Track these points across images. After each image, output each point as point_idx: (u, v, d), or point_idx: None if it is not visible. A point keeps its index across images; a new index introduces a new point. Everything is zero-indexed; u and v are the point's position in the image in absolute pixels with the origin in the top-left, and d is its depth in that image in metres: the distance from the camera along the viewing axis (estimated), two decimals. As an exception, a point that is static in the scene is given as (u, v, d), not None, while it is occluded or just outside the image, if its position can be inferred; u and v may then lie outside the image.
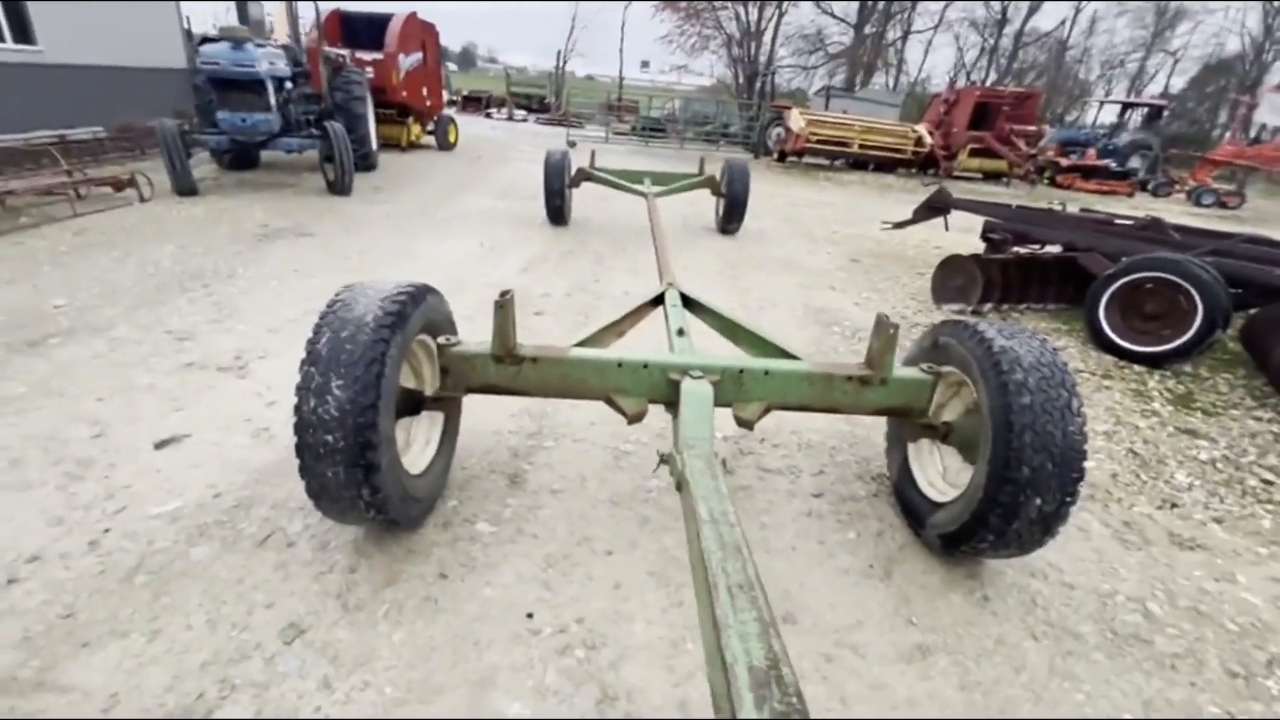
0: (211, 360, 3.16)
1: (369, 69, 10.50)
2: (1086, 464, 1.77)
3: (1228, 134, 24.08)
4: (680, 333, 2.43)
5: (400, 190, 8.39)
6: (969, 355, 1.93)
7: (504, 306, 1.91)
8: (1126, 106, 21.91)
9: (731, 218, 6.97)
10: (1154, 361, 4.02)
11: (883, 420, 2.57)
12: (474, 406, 2.48)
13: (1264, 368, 3.92)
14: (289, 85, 7.70)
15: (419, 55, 12.49)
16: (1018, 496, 1.73)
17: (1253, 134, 19.72)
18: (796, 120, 15.51)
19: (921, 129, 16.37)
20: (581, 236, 6.64)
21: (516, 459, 2.54)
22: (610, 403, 2.03)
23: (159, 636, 1.64)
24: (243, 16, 14.90)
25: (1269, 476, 2.85)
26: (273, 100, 6.99)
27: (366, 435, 1.61)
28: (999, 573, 2.10)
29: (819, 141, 15.48)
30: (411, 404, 2.06)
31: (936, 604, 1.95)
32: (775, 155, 17.09)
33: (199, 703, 1.47)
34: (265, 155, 8.96)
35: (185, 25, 11.87)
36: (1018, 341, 1.87)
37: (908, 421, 2.23)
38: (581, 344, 2.22)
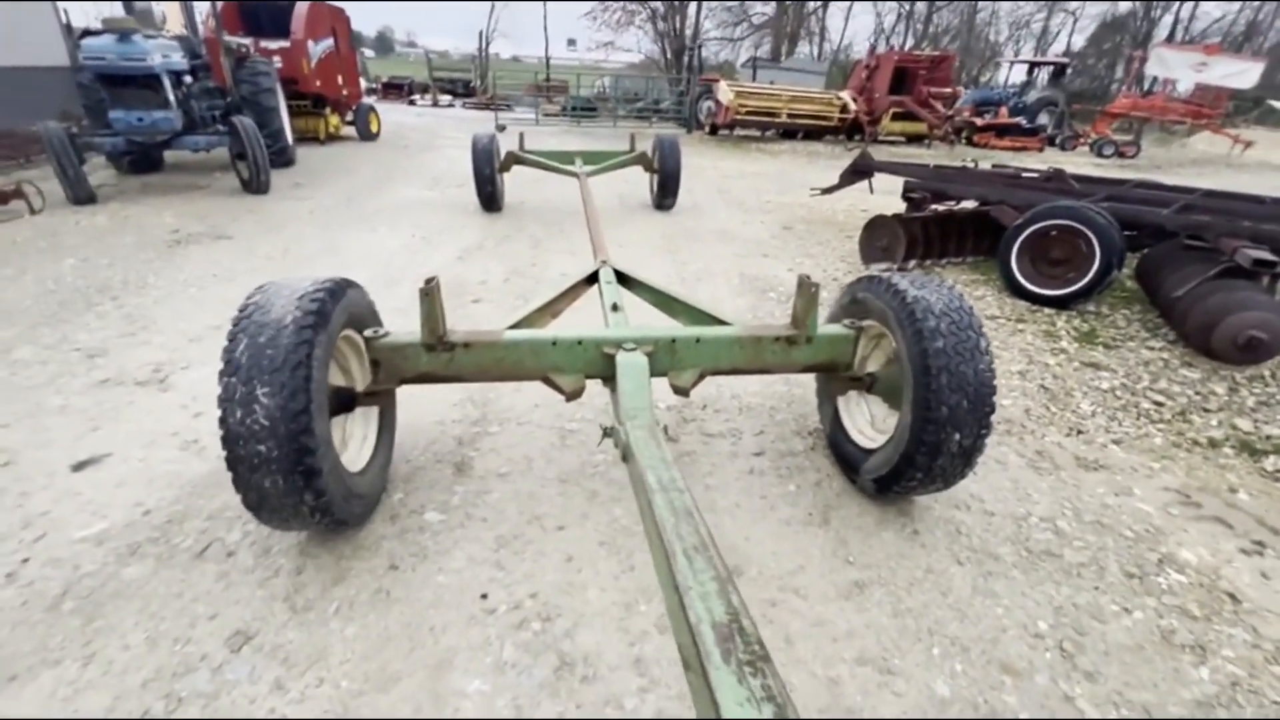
0: (128, 375, 2.99)
1: (276, 58, 9.92)
2: (1002, 400, 1.92)
3: (1123, 88, 25.65)
4: (615, 308, 2.47)
5: (323, 185, 8.03)
6: (885, 307, 2.04)
7: (430, 294, 1.90)
8: (1033, 66, 22.99)
9: (665, 193, 7.01)
10: (1061, 303, 4.32)
11: (814, 378, 2.69)
12: (414, 399, 2.46)
13: (1154, 302, 4.28)
14: (188, 79, 7.21)
15: (330, 42, 11.87)
16: (939, 434, 1.86)
17: (1145, 87, 21.08)
18: (725, 93, 15.61)
19: (846, 96, 16.78)
20: (517, 221, 6.54)
21: (461, 447, 2.53)
22: (548, 382, 2.05)
23: (94, 660, 1.58)
24: (128, 7, 13.77)
25: (1159, 399, 3.14)
26: (171, 96, 6.54)
27: (302, 441, 1.58)
28: (927, 508, 2.26)
29: (748, 113, 15.65)
30: (344, 401, 2.03)
31: (871, 542, 2.08)
32: (707, 129, 17.18)
33: (144, 720, 1.44)
34: (170, 156, 8.40)
35: (64, 19, 10.87)
36: (928, 290, 2.00)
37: (835, 376, 2.34)
38: (515, 326, 2.22)
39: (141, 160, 7.79)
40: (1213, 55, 19.05)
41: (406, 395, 2.29)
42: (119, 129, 6.38)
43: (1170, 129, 21.57)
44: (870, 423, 2.38)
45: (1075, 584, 1.96)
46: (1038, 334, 3.96)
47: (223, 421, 1.57)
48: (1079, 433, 2.83)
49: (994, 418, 1.91)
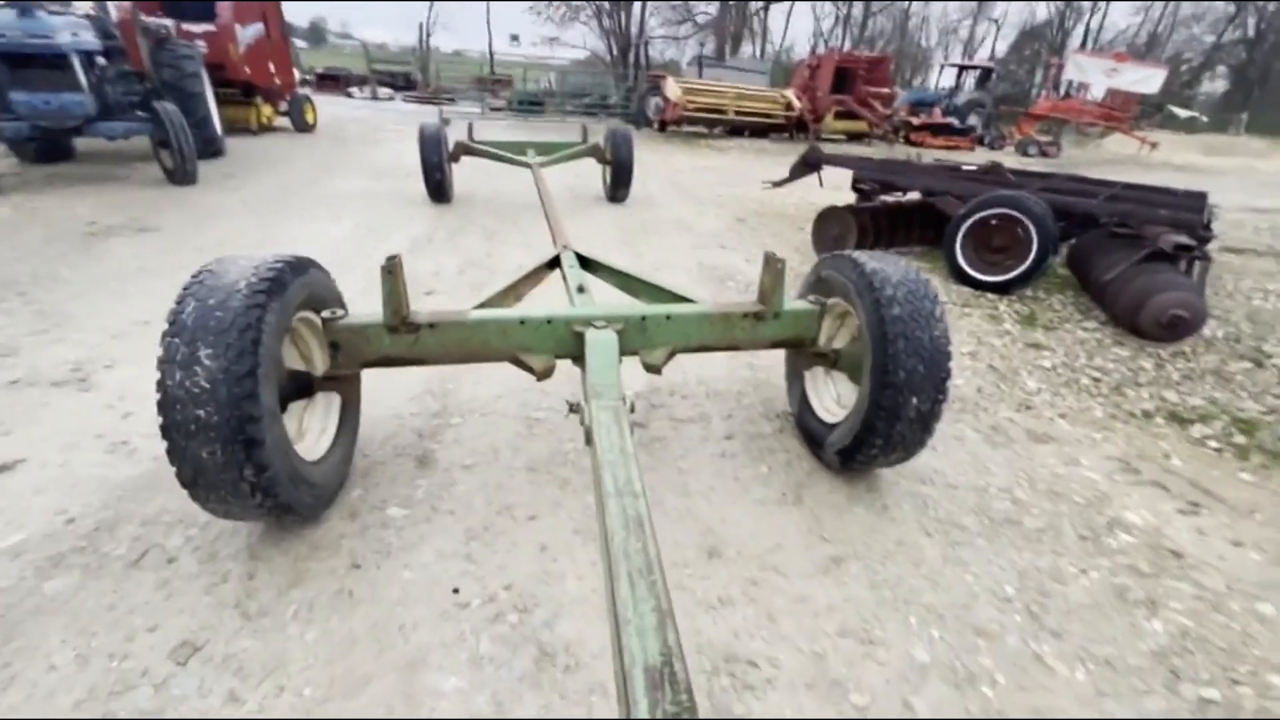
0: (42, 375, 2.72)
1: (200, 42, 9.30)
2: (956, 380, 1.97)
3: (1043, 92, 27.27)
4: (580, 289, 2.41)
5: (257, 176, 7.59)
6: (847, 280, 2.07)
7: (393, 271, 1.79)
8: (962, 69, 24.14)
9: (619, 184, 6.96)
10: (1003, 289, 4.52)
11: (781, 364, 2.71)
12: (368, 392, 2.33)
13: (1086, 286, 4.54)
14: (102, 61, 6.66)
15: (259, 27, 11.25)
16: (897, 399, 1.89)
17: (1062, 91, 22.45)
18: (673, 89, 15.69)
19: (790, 94, 17.14)
20: (468, 213, 6.36)
21: (423, 440, 2.42)
22: (517, 362, 1.98)
23: (14, 685, 1.41)
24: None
25: (1096, 375, 3.32)
26: (82, 78, 6.03)
27: (244, 408, 1.46)
28: (894, 483, 2.30)
29: (696, 109, 15.78)
30: (301, 386, 1.89)
31: (844, 519, 2.11)
32: (656, 125, 17.23)
33: (78, 745, 1.30)
34: (83, 145, 7.77)
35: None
36: (885, 263, 2.04)
37: (801, 352, 2.35)
38: (480, 308, 2.13)
39: (49, 148, 7.16)
40: (1122, 62, 20.49)
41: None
42: (22, 113, 5.83)
43: (1085, 131, 23.05)
44: (835, 400, 2.41)
45: (1035, 549, 2.03)
46: (983, 318, 4.13)
47: (160, 384, 1.45)
48: (1028, 408, 2.95)
49: (950, 396, 1.96)
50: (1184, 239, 3.77)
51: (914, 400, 1.90)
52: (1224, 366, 3.52)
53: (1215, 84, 48.70)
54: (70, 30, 6.01)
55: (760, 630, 1.66)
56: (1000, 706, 1.49)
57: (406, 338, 1.90)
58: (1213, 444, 2.74)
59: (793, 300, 2.26)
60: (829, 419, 2.32)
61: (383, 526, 1.95)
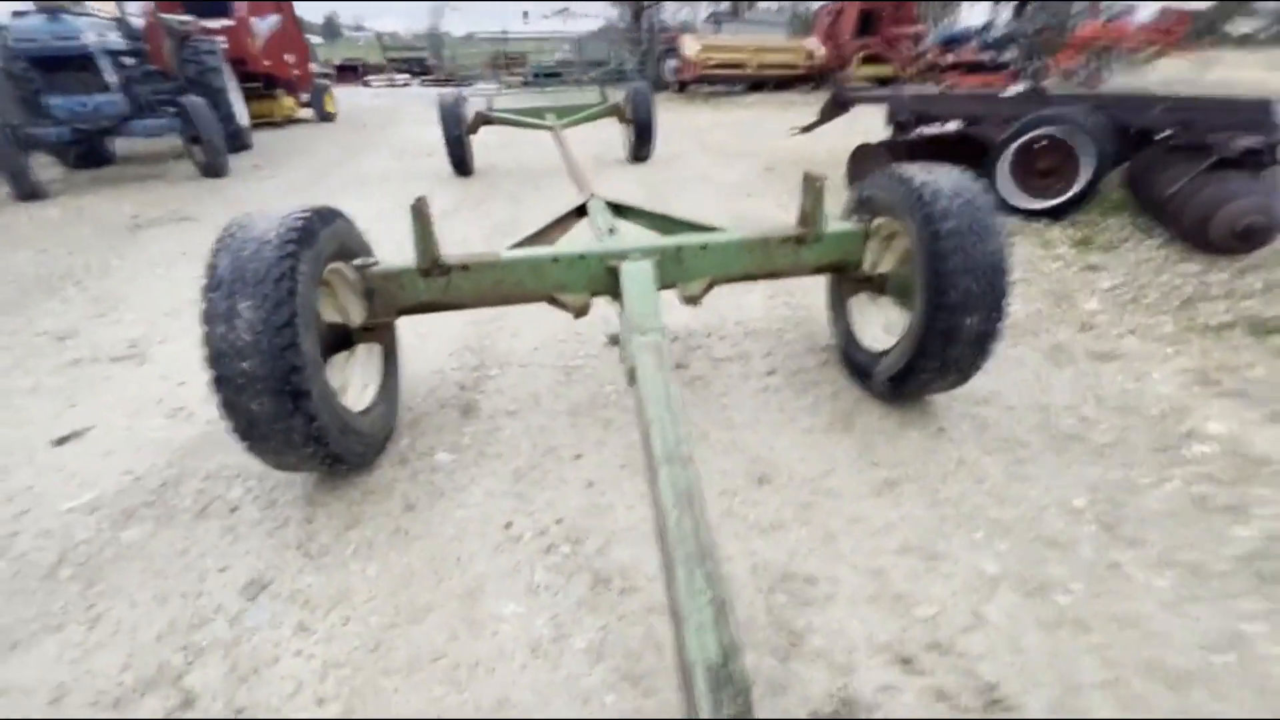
0: (103, 353, 2.83)
1: (220, 38, 9.42)
2: (1011, 306, 1.85)
3: (1084, 19, 25.49)
4: (612, 231, 2.35)
5: (285, 165, 7.72)
6: (894, 197, 1.95)
7: (420, 212, 1.77)
8: (996, 0, 22.71)
9: (642, 142, 6.83)
10: (1053, 214, 4.27)
11: (822, 299, 2.61)
12: (406, 350, 2.35)
13: (1146, 206, 4.24)
14: (129, 61, 6.81)
15: (276, 19, 11.34)
16: (952, 319, 1.79)
17: (1104, 16, 20.93)
18: (690, 47, 15.25)
19: (812, 43, 16.47)
20: (492, 182, 6.34)
21: (465, 391, 2.43)
22: (553, 301, 1.95)
23: (101, 621, 1.48)
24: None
25: (1164, 291, 3.12)
26: (112, 78, 6.18)
27: (288, 357, 1.47)
28: (948, 407, 2.21)
29: (715, 66, 15.33)
30: (340, 339, 1.91)
31: (898, 444, 2.03)
32: (675, 86, 16.82)
33: (163, 672, 1.35)
34: (122, 149, 8.02)
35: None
36: (937, 175, 1.91)
37: (845, 278, 2.26)
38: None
39: (89, 154, 7.40)
40: (1173, -25, 18.93)
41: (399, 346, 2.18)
42: (60, 116, 6.02)
43: (1134, 56, 21.52)
44: (884, 328, 2.30)
45: (1105, 463, 1.93)
46: (1034, 245, 3.92)
47: (206, 338, 1.47)
48: (1089, 328, 2.79)
49: (1005, 318, 1.85)
50: (1253, 142, 3.47)
51: (970, 320, 1.80)
52: (1306, 276, 3.26)
53: (1279, -7, 44.68)
54: (95, 31, 6.15)
55: (816, 550, 1.62)
56: (1078, 614, 1.42)
57: (440, 281, 1.89)
58: (1297, 352, 2.55)
59: (835, 222, 2.16)
60: (877, 347, 2.23)
61: (432, 471, 1.97)
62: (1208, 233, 3.39)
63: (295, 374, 1.49)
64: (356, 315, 1.92)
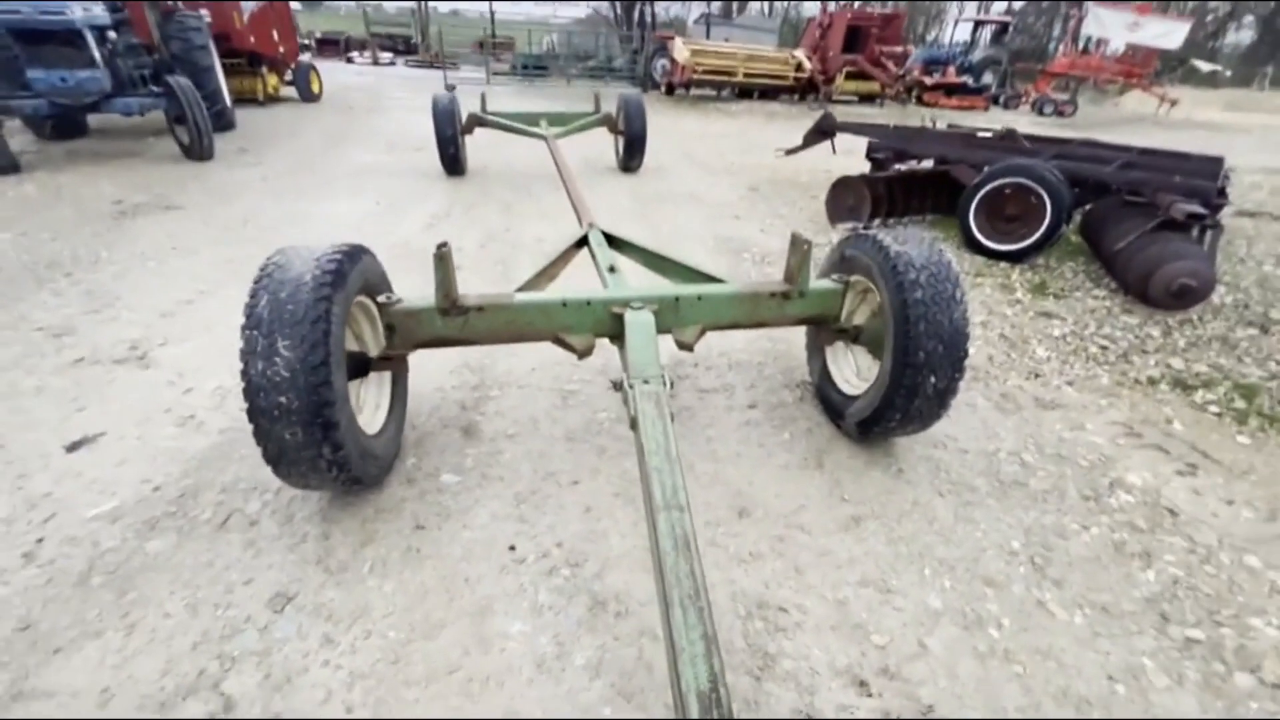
0: (103, 354, 2.89)
1: (205, 12, 9.20)
2: (969, 347, 2.10)
3: (1061, 46, 26.45)
4: (611, 269, 2.53)
5: (270, 150, 7.64)
6: (871, 262, 2.18)
7: (444, 258, 1.92)
8: (978, 24, 23.41)
9: (632, 154, 6.98)
10: (1015, 257, 4.60)
11: (800, 336, 2.84)
12: (410, 367, 2.48)
13: (1098, 254, 4.60)
14: (112, 35, 6.66)
15: (262, -7, 11.08)
16: (916, 377, 2.02)
17: (1081, 45, 21.79)
18: (681, 51, 15.39)
19: (801, 55, 16.77)
20: (483, 185, 6.42)
21: (466, 411, 2.59)
22: (559, 342, 2.12)
23: (137, 629, 1.61)
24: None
25: (1104, 343, 3.44)
26: (96, 53, 6.05)
27: (321, 393, 1.62)
28: (909, 449, 2.46)
29: (705, 72, 15.50)
30: (358, 366, 2.05)
31: (862, 481, 2.27)
32: (663, 88, 16.94)
33: (202, 679, 1.50)
34: (95, 121, 7.81)
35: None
36: (910, 245, 2.14)
37: (824, 328, 2.48)
38: (520, 290, 2.27)
39: (64, 125, 7.22)
40: (1144, 15, 19.81)
41: (412, 362, 2.32)
42: (41, 90, 5.88)
43: (1103, 88, 22.47)
44: (856, 372, 2.55)
45: (1041, 508, 2.20)
46: (995, 287, 4.22)
47: (244, 373, 1.60)
48: (1036, 376, 3.08)
49: (963, 377, 2.09)
50: (1196, 208, 3.82)
51: (932, 379, 2.04)
52: (1230, 333, 3.62)
53: (1241, 34, 46.98)
54: (82, 5, 6.00)
55: (788, 580, 1.84)
56: (1006, 646, 1.67)
57: (456, 320, 2.04)
58: (1213, 409, 2.87)
59: (817, 279, 2.37)
60: (850, 391, 2.47)
61: (439, 492, 2.13)
62: (1147, 289, 3.73)
63: (327, 407, 1.64)
64: (375, 345, 2.06)
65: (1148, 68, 20.74)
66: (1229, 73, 31.15)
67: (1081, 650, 1.68)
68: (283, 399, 1.60)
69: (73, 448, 2.27)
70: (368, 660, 1.56)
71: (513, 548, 1.91)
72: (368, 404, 2.15)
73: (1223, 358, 3.34)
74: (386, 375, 2.22)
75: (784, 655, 1.62)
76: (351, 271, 1.80)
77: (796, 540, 1.99)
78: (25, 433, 2.33)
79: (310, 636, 1.61)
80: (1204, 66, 26.89)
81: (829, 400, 2.57)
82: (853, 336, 2.46)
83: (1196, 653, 1.69)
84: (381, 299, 1.99)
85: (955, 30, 24.37)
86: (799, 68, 16.42)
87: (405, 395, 2.33)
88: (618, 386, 1.80)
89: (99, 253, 4.08)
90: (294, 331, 1.60)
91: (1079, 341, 3.47)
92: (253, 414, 1.63)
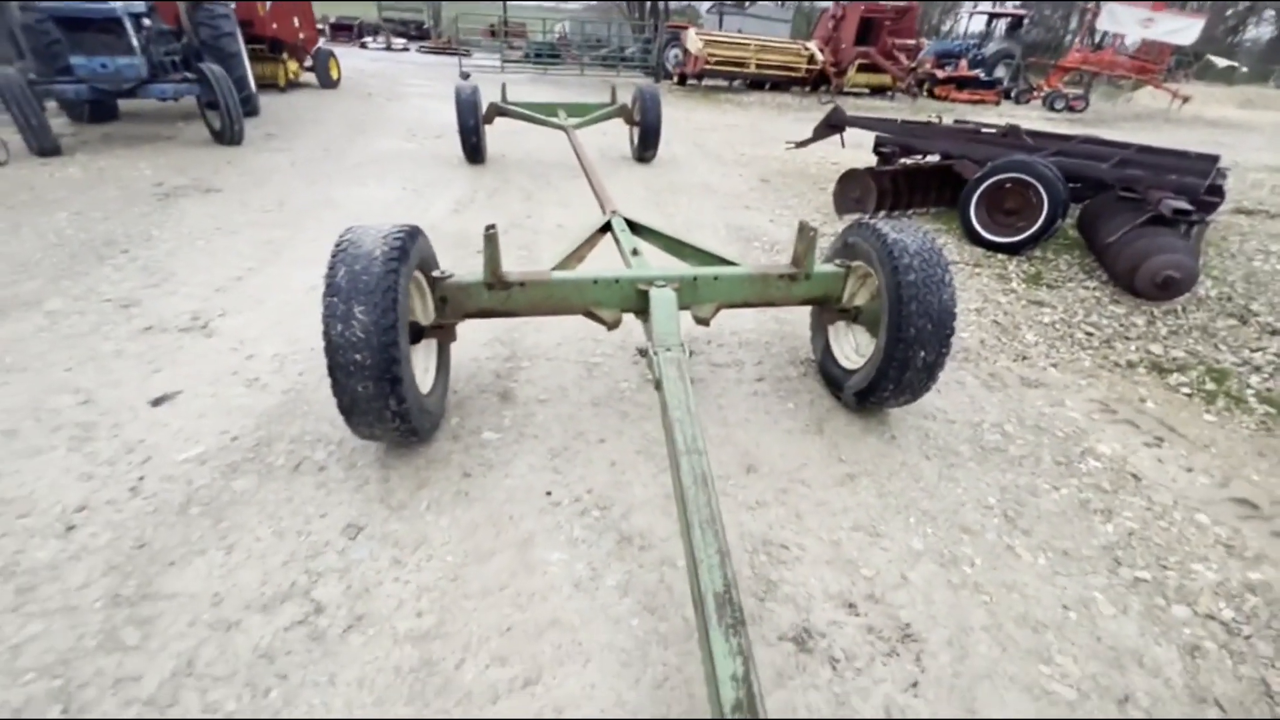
0: (169, 323, 3.18)
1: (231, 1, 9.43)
2: (961, 334, 2.35)
3: (1076, 40, 26.30)
4: (635, 253, 2.79)
5: (296, 135, 7.90)
6: (870, 248, 2.43)
7: (491, 239, 2.19)
8: (992, 17, 23.33)
9: (647, 145, 7.19)
10: (1013, 249, 4.82)
11: (805, 319, 3.09)
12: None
13: (1092, 247, 4.82)
14: (146, 22, 6.91)
15: (284, -19, 11.29)
16: (908, 352, 2.28)
17: (1096, 39, 21.72)
18: (694, 42, 15.50)
19: (813, 46, 16.83)
20: (503, 173, 6.66)
21: (500, 379, 2.86)
22: (591, 315, 2.39)
23: (235, 549, 1.90)
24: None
25: (1090, 330, 3.68)
26: (135, 41, 6.31)
27: (390, 353, 1.89)
28: (901, 419, 2.72)
29: (717, 63, 15.61)
30: (413, 334, 2.32)
31: (858, 445, 2.53)
32: (675, 79, 17.06)
33: (294, 588, 1.78)
34: (125, 104, 8.08)
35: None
36: (906, 234, 2.39)
37: (828, 308, 2.74)
38: (555, 269, 2.53)
39: (98, 108, 7.49)
40: (1159, 11, 19.72)
41: (456, 332, 2.59)
42: (83, 75, 6.15)
43: (1117, 83, 22.40)
44: (855, 349, 2.80)
45: (1017, 471, 2.46)
46: (992, 276, 4.45)
47: (326, 333, 1.87)
48: (1024, 358, 3.33)
49: (954, 347, 2.35)
50: (1183, 204, 4.03)
51: (922, 353, 2.29)
52: (1211, 323, 3.85)
53: (1261, 29, 46.37)
54: (122, -7, 6.25)
55: (789, 524, 2.11)
56: (977, 580, 1.94)
57: (501, 294, 2.31)
58: (1185, 390, 3.12)
59: (822, 264, 2.62)
60: (848, 365, 2.73)
61: (481, 446, 2.41)
62: (1134, 280, 3.96)
63: (394, 364, 1.91)
64: (425, 316, 2.33)
65: (1162, 63, 20.66)
66: (1245, 69, 30.89)
67: (1042, 585, 1.94)
68: (358, 356, 1.87)
69: (156, 403, 2.56)
70: (431, 577, 1.84)
71: (549, 493, 2.19)
72: (419, 368, 2.41)
73: (1200, 345, 3.58)
74: (434, 343, 2.49)
75: (784, 582, 1.89)
76: (412, 249, 2.07)
77: (797, 492, 2.26)
78: (112, 389, 2.62)
79: (381, 558, 1.90)
80: (1220, 62, 26.70)
81: (830, 374, 2.83)
82: (853, 316, 2.72)
83: (1142, 590, 1.95)
84: (435, 273, 2.26)
85: (970, 22, 24.23)
86: (811, 59, 16.50)
87: (449, 362, 2.60)
88: (643, 353, 2.06)
89: (149, 232, 4.37)
90: (368, 299, 1.87)
91: (1066, 328, 3.71)
92: (332, 369, 1.90)
